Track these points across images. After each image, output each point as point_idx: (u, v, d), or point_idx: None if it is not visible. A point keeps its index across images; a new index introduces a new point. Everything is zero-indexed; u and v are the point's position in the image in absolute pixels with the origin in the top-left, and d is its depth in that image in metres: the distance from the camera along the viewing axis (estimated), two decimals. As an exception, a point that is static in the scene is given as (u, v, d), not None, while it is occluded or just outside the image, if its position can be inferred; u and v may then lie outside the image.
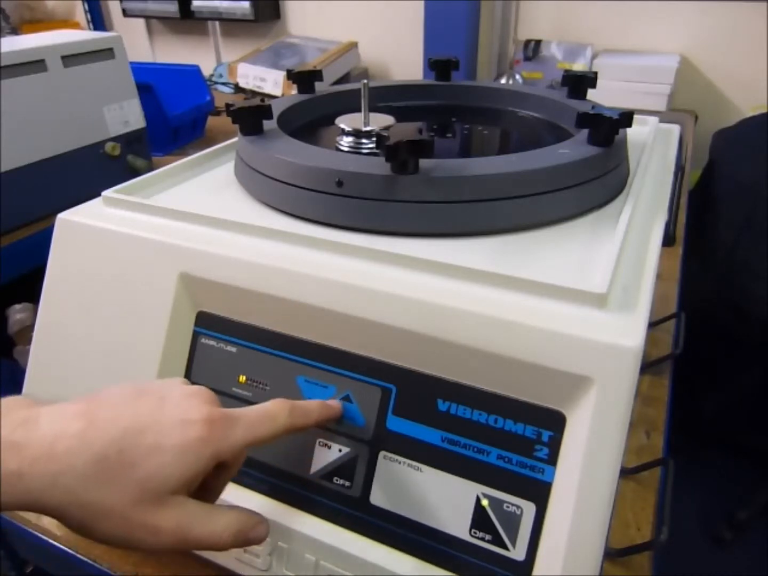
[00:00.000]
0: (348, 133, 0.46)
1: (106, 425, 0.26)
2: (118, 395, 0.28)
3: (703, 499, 1.30)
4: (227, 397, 0.37)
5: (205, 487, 0.29)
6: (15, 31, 1.87)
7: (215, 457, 0.27)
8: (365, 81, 0.45)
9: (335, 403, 0.34)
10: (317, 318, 0.34)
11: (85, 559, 0.42)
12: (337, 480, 0.34)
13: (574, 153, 0.39)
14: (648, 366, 0.57)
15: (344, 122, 0.46)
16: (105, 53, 0.95)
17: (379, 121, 0.46)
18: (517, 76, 1.45)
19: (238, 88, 1.66)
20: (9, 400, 0.26)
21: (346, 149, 0.45)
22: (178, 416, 0.27)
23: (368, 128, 0.45)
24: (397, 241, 0.37)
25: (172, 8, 1.83)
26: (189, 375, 0.39)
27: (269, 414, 0.29)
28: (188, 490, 0.27)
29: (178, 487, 0.26)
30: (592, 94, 0.53)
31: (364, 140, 0.45)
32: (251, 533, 0.28)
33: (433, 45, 1.42)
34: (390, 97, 0.59)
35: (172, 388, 0.29)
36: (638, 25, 1.43)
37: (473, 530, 0.32)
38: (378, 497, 0.34)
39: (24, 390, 0.43)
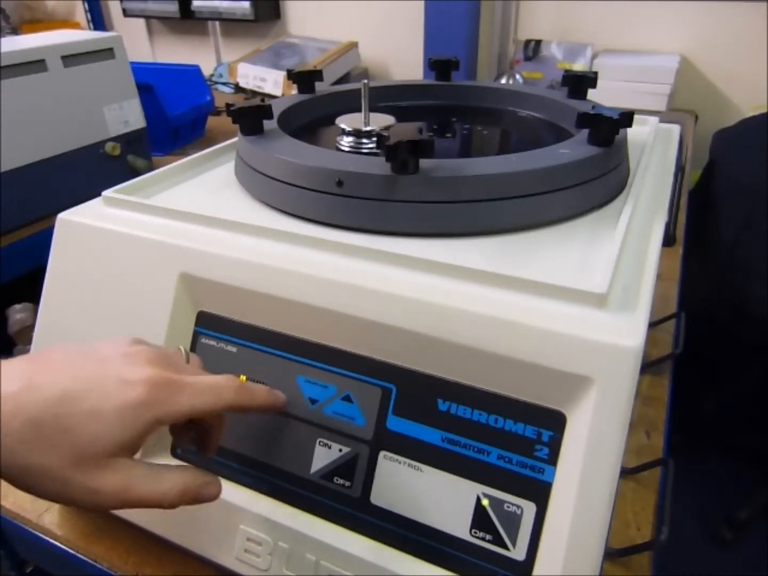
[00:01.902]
0: (348, 133, 0.46)
1: (43, 388, 0.25)
2: (61, 356, 0.27)
3: (703, 499, 1.30)
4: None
5: (196, 442, 0.31)
6: (15, 31, 1.87)
7: (156, 422, 0.27)
8: (365, 81, 0.45)
9: (280, 393, 0.34)
10: (317, 318, 0.34)
11: (85, 559, 0.42)
12: (337, 480, 0.35)
13: (574, 153, 0.39)
14: (648, 366, 0.57)
15: (344, 122, 0.46)
16: (105, 53, 0.95)
17: (380, 121, 0.46)
18: (517, 76, 1.45)
19: (238, 88, 1.66)
20: None
21: (346, 149, 0.45)
22: (118, 377, 0.26)
23: (368, 128, 0.45)
24: (398, 241, 0.37)
25: (172, 8, 1.82)
26: (189, 375, 0.39)
27: (216, 387, 0.29)
28: (131, 452, 0.27)
29: (117, 450, 0.26)
30: (592, 94, 0.53)
31: (364, 140, 0.45)
32: (202, 491, 0.29)
33: (433, 45, 1.42)
34: (390, 97, 0.59)
35: (117, 348, 0.28)
36: (638, 25, 1.43)
37: (473, 530, 0.32)
38: (378, 497, 0.34)
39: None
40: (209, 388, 0.29)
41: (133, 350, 0.29)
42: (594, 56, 1.43)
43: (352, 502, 0.34)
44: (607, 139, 0.40)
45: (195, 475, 0.29)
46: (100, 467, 0.26)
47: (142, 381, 0.26)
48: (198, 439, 0.32)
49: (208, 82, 1.57)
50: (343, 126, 0.46)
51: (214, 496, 0.29)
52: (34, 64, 0.85)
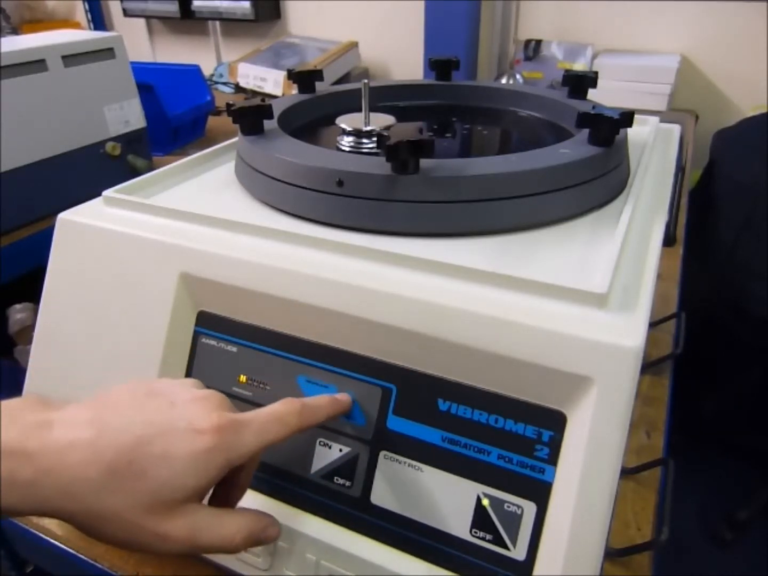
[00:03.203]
0: (348, 133, 0.46)
1: (117, 434, 0.26)
2: (128, 398, 0.28)
3: (703, 499, 1.30)
4: (228, 397, 0.37)
5: (230, 485, 0.30)
6: (15, 31, 1.87)
7: (226, 466, 0.27)
8: (366, 81, 0.45)
9: (344, 397, 0.34)
10: (317, 318, 0.34)
11: (85, 558, 0.42)
12: (337, 480, 0.35)
13: (574, 153, 0.39)
14: (648, 366, 0.57)
15: (345, 122, 0.46)
16: (105, 53, 0.95)
17: (380, 120, 0.46)
18: (518, 76, 1.45)
19: (238, 88, 1.66)
20: (19, 402, 0.27)
21: (346, 149, 0.45)
22: (188, 424, 0.27)
23: (369, 128, 0.45)
24: (398, 241, 0.37)
25: (173, 8, 1.82)
26: (189, 375, 0.39)
27: (279, 417, 0.29)
28: (200, 497, 0.27)
29: (188, 496, 0.26)
30: (592, 94, 0.53)
31: (364, 140, 0.45)
32: (262, 535, 0.29)
33: (433, 45, 1.42)
34: (390, 97, 0.59)
35: (182, 392, 0.29)
36: (638, 25, 1.43)
37: (474, 530, 0.32)
38: (378, 497, 0.34)
39: (24, 390, 0.43)
40: (273, 420, 0.29)
41: (200, 394, 0.29)
42: (594, 56, 1.43)
43: (352, 502, 0.34)
44: (608, 139, 0.40)
45: (258, 519, 0.29)
46: (170, 512, 0.26)
47: (211, 428, 0.27)
48: (229, 476, 0.31)
49: (209, 82, 1.57)
50: (343, 126, 0.46)
51: (274, 539, 0.30)
52: (34, 64, 0.85)
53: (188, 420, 0.27)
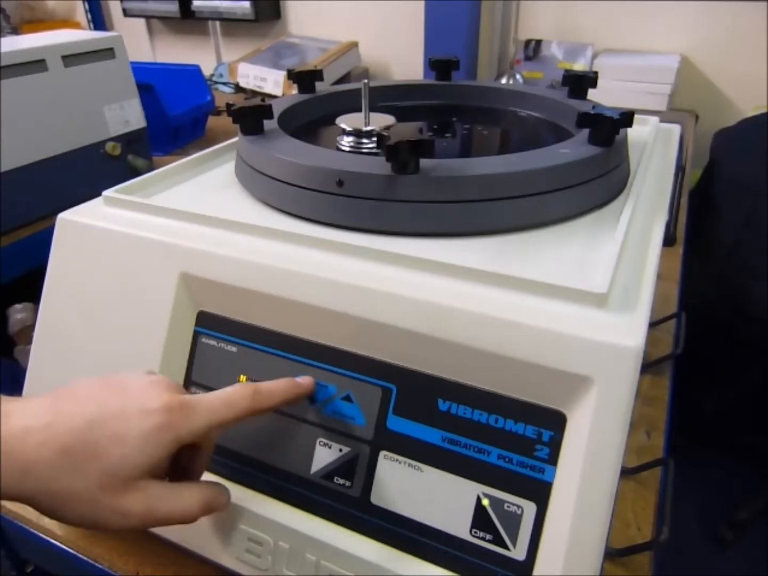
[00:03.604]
0: (349, 133, 0.46)
1: (71, 417, 0.27)
2: (83, 388, 0.29)
3: (703, 499, 1.30)
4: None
5: (185, 469, 0.32)
6: (15, 31, 1.87)
7: (176, 443, 0.28)
8: (366, 81, 0.45)
9: (305, 380, 0.34)
10: (317, 318, 0.34)
11: (86, 558, 0.42)
12: (337, 480, 0.35)
13: (574, 153, 0.39)
14: (648, 366, 0.57)
15: (345, 122, 0.46)
16: (105, 53, 0.95)
17: (380, 120, 0.46)
18: (518, 76, 1.45)
19: (238, 88, 1.66)
20: None
21: (346, 149, 0.45)
22: (139, 406, 0.28)
23: (369, 128, 0.45)
24: (398, 240, 0.37)
25: (173, 8, 1.83)
26: (189, 375, 0.39)
27: (230, 400, 0.30)
28: (153, 473, 0.28)
29: (142, 472, 0.27)
30: (592, 94, 0.53)
31: (364, 140, 0.45)
32: (217, 500, 0.31)
33: (433, 45, 1.42)
34: (390, 97, 0.59)
35: (134, 379, 0.30)
36: (638, 25, 1.43)
37: (474, 530, 0.32)
38: (378, 497, 0.34)
39: (24, 390, 0.43)
40: (222, 402, 0.30)
41: (152, 379, 0.30)
42: (594, 56, 1.43)
43: (352, 502, 0.34)
44: (608, 139, 0.40)
45: (209, 488, 0.31)
46: (126, 489, 0.27)
47: (160, 408, 0.28)
48: (186, 461, 0.32)
49: (209, 82, 1.57)
50: (343, 126, 0.46)
51: (226, 504, 0.32)
52: (34, 64, 0.85)
53: (139, 402, 0.28)
